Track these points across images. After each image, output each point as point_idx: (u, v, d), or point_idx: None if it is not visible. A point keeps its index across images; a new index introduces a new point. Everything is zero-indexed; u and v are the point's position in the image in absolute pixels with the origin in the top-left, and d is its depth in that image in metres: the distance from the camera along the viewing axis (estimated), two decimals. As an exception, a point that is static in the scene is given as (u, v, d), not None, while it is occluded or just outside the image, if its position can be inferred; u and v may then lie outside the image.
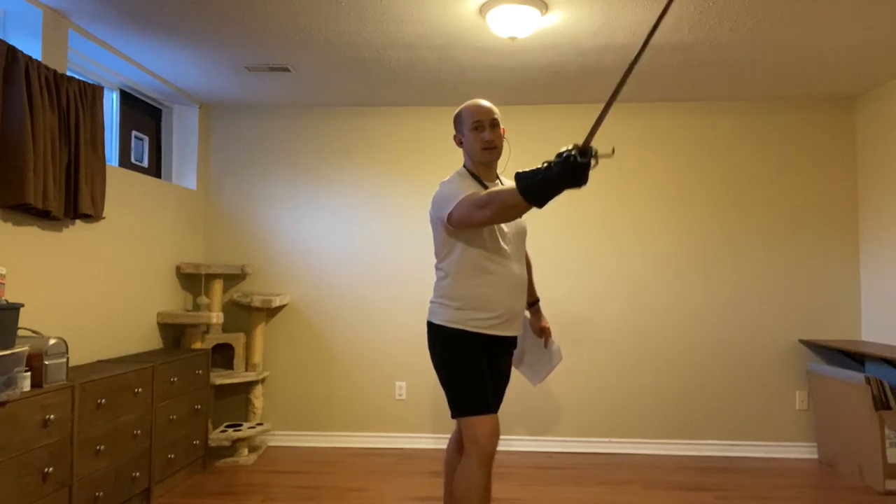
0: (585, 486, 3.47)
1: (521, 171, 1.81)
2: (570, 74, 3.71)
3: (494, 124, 2.27)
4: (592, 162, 1.69)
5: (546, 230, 4.25)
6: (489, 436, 2.13)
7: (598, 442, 4.17)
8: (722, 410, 4.13)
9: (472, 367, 2.19)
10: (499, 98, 4.17)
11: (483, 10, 2.83)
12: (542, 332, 2.59)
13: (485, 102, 2.30)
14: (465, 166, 2.34)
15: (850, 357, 4.01)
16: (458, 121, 2.34)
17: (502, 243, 2.24)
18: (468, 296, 2.21)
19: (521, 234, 2.34)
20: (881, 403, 3.42)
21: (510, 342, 2.36)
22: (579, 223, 4.25)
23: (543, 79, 3.79)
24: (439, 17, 2.94)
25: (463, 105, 2.33)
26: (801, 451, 4.08)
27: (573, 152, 1.67)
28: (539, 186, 1.76)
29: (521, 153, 4.28)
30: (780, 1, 2.74)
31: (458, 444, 2.47)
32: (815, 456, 4.05)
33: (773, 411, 4.11)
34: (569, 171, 1.68)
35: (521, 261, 2.32)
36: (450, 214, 2.12)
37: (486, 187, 2.25)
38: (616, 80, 3.79)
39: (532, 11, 2.79)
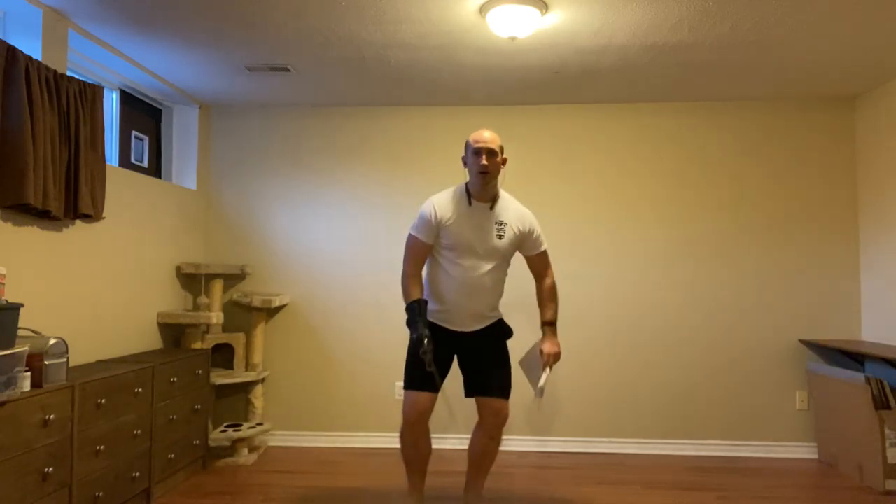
0: (585, 486, 3.47)
1: (415, 302, 2.61)
2: (570, 74, 3.71)
3: (492, 153, 2.62)
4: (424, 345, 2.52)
5: (546, 232, 4.25)
6: (410, 405, 2.68)
7: (598, 442, 4.17)
8: (722, 410, 4.13)
9: (413, 350, 2.71)
10: (499, 98, 4.17)
11: (483, 10, 2.83)
12: (541, 355, 2.73)
13: (488, 133, 2.65)
14: (465, 183, 2.73)
15: (850, 357, 4.01)
16: (466, 145, 2.70)
17: (457, 259, 2.69)
18: (428, 291, 2.80)
19: (494, 254, 2.71)
20: (881, 403, 3.42)
21: (464, 337, 2.77)
22: (580, 224, 4.25)
23: (543, 79, 3.79)
24: (439, 17, 2.94)
25: (473, 132, 2.75)
26: (801, 450, 4.08)
27: (421, 340, 2.52)
28: (408, 313, 2.63)
29: (521, 153, 4.29)
30: (781, 1, 2.75)
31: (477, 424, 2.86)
32: (815, 456, 4.05)
33: (773, 411, 4.11)
34: (411, 327, 2.58)
35: (482, 272, 2.70)
36: (409, 237, 2.74)
37: (470, 204, 2.68)
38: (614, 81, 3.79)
39: (532, 11, 2.79)
